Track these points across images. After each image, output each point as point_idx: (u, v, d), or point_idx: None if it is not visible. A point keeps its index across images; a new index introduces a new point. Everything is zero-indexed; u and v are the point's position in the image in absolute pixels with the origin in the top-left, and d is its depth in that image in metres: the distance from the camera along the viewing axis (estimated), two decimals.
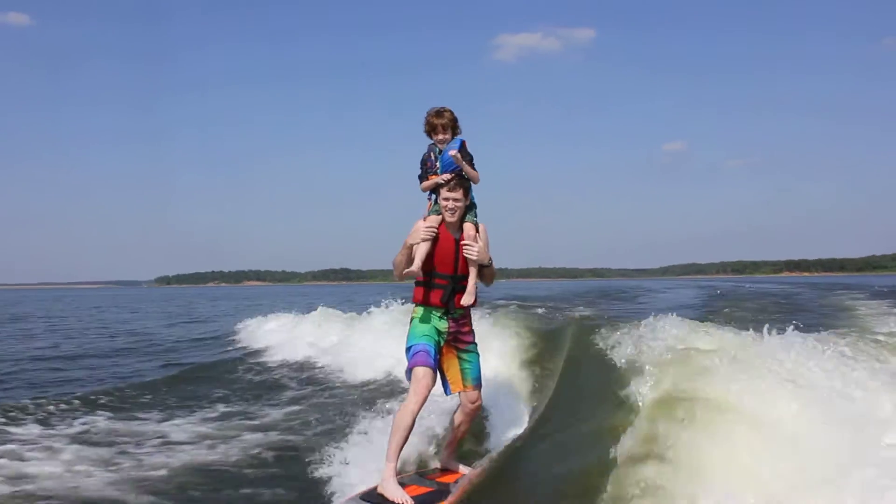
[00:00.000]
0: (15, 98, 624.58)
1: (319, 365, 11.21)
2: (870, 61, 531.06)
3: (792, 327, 4.75)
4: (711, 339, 5.18)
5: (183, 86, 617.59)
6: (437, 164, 4.73)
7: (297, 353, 12.37)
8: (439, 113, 4.79)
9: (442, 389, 4.87)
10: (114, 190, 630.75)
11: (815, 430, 3.35)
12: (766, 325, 4.78)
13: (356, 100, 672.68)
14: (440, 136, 4.75)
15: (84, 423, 7.23)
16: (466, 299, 4.60)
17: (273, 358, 12.50)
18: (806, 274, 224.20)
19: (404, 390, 5.96)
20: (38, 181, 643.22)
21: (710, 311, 17.84)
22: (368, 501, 4.22)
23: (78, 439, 6.53)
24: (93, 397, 8.62)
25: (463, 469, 5.00)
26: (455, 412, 5.03)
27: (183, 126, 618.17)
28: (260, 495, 5.08)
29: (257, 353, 13.47)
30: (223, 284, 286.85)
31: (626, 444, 3.65)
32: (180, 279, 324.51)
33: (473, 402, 4.87)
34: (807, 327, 5.25)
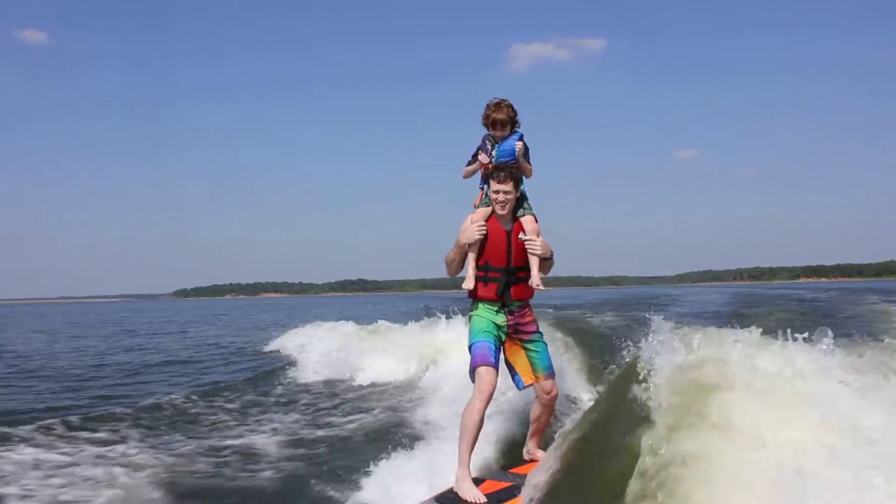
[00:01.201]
0: (26, 111, 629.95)
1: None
2: (883, 67, 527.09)
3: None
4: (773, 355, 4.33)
5: (196, 97, 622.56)
6: (494, 153, 4.64)
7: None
8: (499, 106, 4.67)
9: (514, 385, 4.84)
10: (130, 203, 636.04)
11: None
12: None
13: (373, 110, 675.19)
14: (499, 133, 4.67)
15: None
16: (535, 281, 4.54)
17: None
18: (824, 280, 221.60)
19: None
20: (54, 196, 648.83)
21: (751, 318, 18.27)
22: (442, 502, 4.21)
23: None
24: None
25: (543, 456, 4.89)
26: (533, 404, 4.96)
27: (198, 138, 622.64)
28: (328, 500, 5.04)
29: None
30: (241, 296, 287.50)
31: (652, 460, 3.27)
32: (198, 292, 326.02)
33: (549, 392, 4.77)
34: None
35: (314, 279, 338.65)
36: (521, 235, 4.56)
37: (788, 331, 3.62)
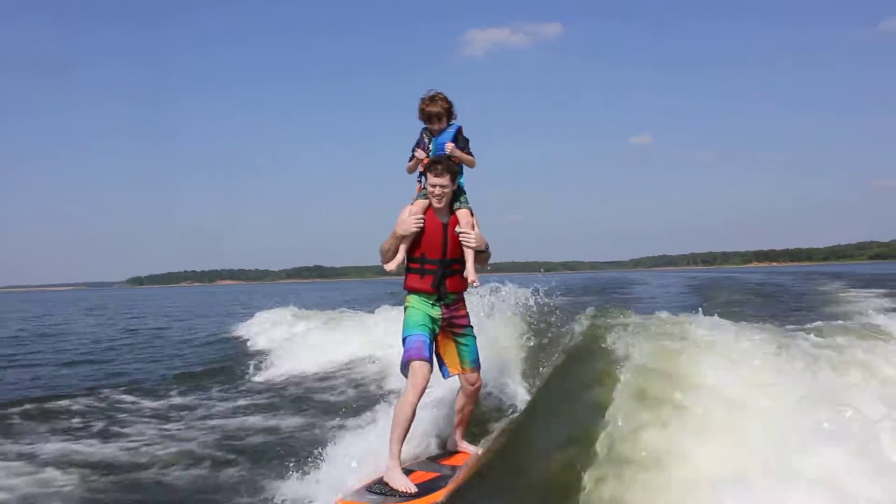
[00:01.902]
0: None
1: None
2: (837, 52, 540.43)
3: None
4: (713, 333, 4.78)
5: (155, 85, 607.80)
6: (431, 147, 4.69)
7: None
8: (433, 99, 4.71)
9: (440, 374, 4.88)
10: (80, 191, 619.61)
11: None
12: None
13: (328, 98, 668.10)
14: (435, 126, 4.71)
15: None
16: (471, 276, 4.61)
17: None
18: (775, 264, 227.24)
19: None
20: (5, 182, 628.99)
21: (709, 303, 18.52)
22: (374, 492, 4.27)
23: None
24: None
25: (470, 449, 5.05)
26: (457, 395, 5.06)
27: (156, 126, 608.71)
28: (261, 491, 5.00)
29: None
30: (196, 284, 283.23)
31: (615, 435, 3.62)
32: (153, 280, 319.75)
33: (473, 384, 4.90)
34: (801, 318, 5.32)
35: (270, 266, 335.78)
36: (456, 228, 4.61)
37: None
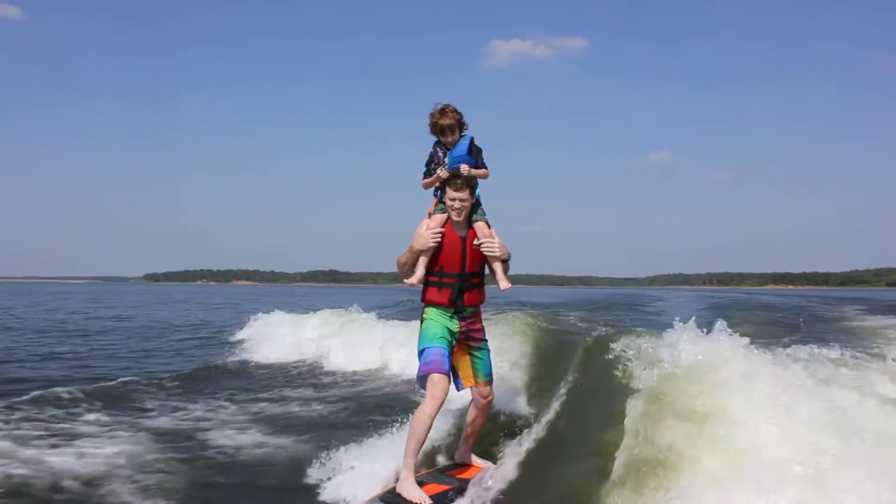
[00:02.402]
0: (3, 92, 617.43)
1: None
2: (856, 75, 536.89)
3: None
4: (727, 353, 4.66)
5: (174, 82, 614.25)
6: (446, 160, 4.66)
7: None
8: (443, 112, 4.68)
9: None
10: (100, 186, 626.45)
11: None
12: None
13: (349, 102, 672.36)
14: (448, 138, 4.70)
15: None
16: (503, 284, 4.63)
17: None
18: (791, 287, 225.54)
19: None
20: (25, 175, 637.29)
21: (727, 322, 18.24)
22: (386, 502, 4.25)
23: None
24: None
25: (480, 463, 5.04)
26: (468, 408, 5.05)
27: (175, 123, 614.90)
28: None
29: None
30: (212, 283, 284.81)
31: (630, 451, 3.66)
32: (169, 276, 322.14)
33: (486, 397, 4.89)
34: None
35: (286, 268, 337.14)
36: (475, 241, 4.60)
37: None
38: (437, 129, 4.70)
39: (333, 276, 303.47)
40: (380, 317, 14.67)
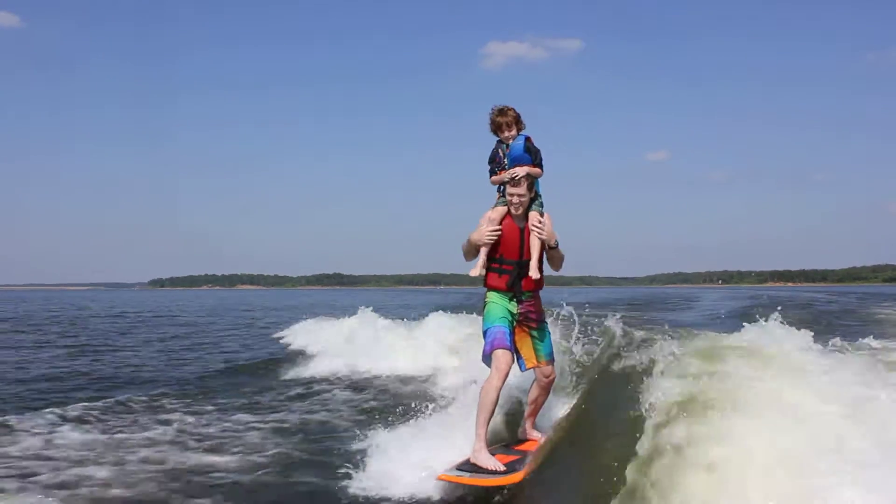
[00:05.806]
0: (4, 100, 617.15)
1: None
2: (854, 74, 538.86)
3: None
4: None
5: (175, 87, 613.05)
6: (506, 160, 4.99)
7: None
8: (502, 111, 5.08)
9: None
10: (102, 192, 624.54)
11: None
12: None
13: (350, 104, 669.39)
14: (506, 133, 5.07)
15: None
16: (534, 273, 4.86)
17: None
18: (790, 284, 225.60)
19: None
20: (26, 181, 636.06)
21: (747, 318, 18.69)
22: (465, 471, 4.45)
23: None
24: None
25: (541, 437, 5.31)
26: (531, 386, 5.34)
27: (176, 128, 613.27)
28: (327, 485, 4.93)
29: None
30: (217, 287, 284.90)
31: (651, 440, 3.77)
32: (174, 282, 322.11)
33: (548, 377, 5.18)
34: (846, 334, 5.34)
35: (290, 272, 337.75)
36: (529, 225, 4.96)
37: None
38: (495, 125, 5.12)
39: (338, 279, 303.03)
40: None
